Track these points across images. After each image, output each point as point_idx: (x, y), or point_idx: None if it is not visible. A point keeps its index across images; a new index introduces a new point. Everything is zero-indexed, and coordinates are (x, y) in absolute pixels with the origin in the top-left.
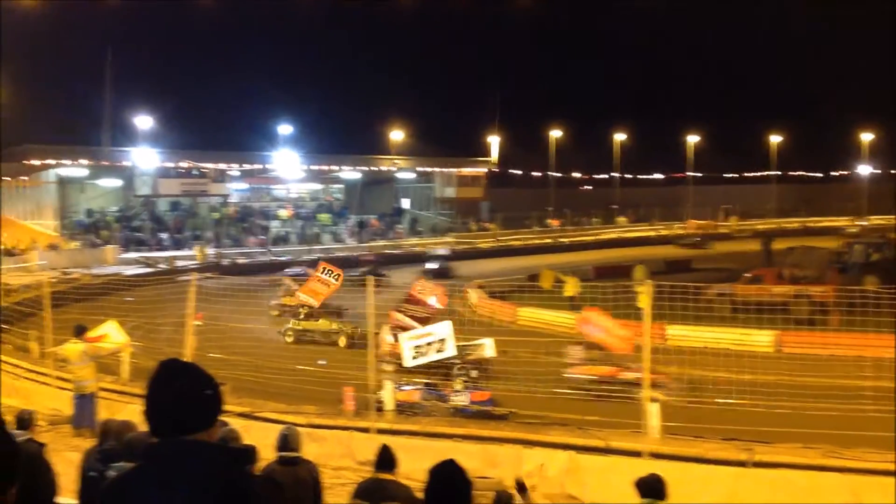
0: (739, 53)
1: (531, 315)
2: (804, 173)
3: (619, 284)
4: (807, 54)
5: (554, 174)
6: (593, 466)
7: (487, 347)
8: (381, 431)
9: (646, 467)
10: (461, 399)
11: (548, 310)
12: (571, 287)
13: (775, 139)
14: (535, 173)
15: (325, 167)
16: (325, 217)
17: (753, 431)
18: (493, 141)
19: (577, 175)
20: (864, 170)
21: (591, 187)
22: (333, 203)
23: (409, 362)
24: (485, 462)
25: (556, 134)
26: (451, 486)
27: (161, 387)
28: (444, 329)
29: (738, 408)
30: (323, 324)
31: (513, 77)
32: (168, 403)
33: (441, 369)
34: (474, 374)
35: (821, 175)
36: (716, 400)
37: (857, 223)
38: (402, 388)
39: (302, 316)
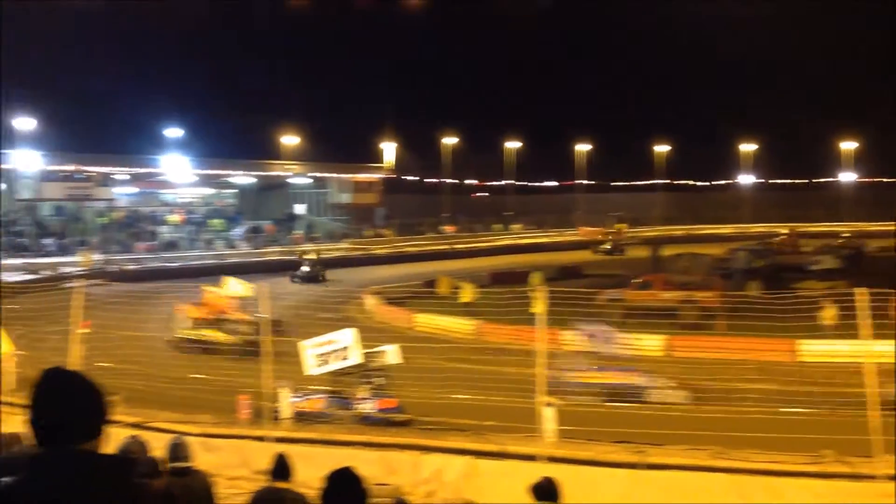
0: (627, 63)
1: (428, 321)
2: (690, 182)
3: (514, 290)
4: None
5: (448, 181)
6: (490, 471)
7: (391, 354)
8: (277, 440)
9: (541, 471)
10: (367, 407)
11: (444, 316)
12: (467, 293)
13: (661, 149)
14: (429, 180)
15: (216, 171)
16: (217, 222)
17: (646, 434)
18: (389, 147)
19: (471, 182)
20: (746, 179)
21: (486, 194)
22: (226, 208)
23: (311, 371)
24: (383, 469)
25: (450, 141)
26: (347, 493)
27: (44, 395)
28: (347, 337)
29: (631, 410)
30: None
31: (408, 83)
32: (52, 412)
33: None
34: (379, 381)
35: (707, 184)
36: (606, 403)
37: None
38: (307, 396)
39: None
